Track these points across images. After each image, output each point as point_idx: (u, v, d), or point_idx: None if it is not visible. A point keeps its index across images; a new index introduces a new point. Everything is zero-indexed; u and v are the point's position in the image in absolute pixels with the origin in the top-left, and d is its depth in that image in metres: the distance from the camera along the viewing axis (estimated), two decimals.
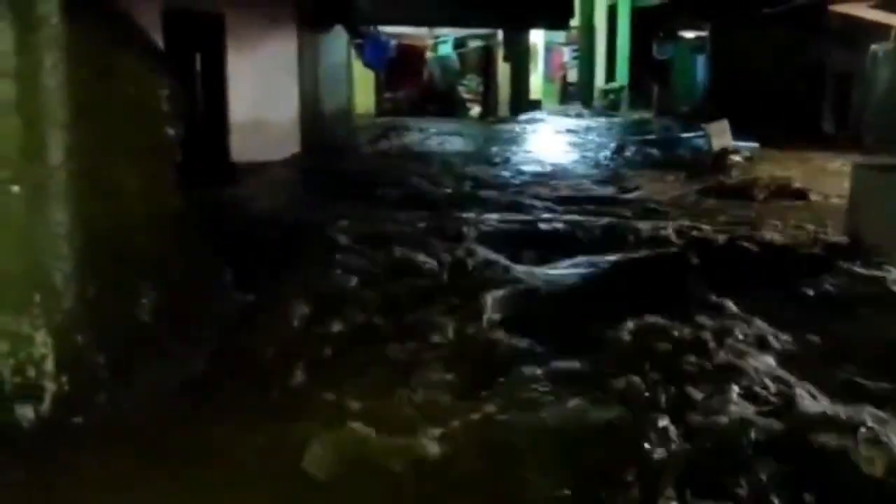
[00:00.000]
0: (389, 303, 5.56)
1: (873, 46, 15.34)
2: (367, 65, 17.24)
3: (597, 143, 16.10)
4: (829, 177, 11.63)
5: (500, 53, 19.15)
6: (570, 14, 16.08)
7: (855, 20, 13.83)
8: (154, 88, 4.59)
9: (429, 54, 19.75)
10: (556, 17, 15.59)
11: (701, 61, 23.66)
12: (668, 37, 25.12)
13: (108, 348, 4.24)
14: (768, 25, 17.58)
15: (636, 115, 22.39)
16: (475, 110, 20.80)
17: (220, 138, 10.83)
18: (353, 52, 16.76)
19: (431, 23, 16.23)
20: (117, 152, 4.44)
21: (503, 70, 19.46)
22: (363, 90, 17.85)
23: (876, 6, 12.80)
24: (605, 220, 8.69)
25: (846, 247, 7.71)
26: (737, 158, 12.69)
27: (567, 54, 26.61)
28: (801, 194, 10.12)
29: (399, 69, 18.05)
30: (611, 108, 23.90)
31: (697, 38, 23.67)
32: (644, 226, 8.35)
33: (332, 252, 6.83)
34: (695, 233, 8.19)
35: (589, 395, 4.05)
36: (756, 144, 14.27)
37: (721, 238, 7.89)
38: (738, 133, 14.38)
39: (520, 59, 19.73)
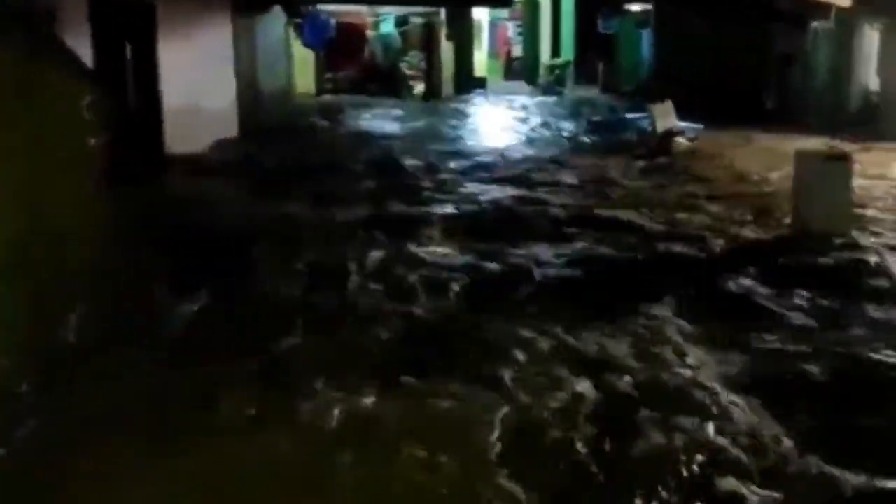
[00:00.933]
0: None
1: (814, 24, 15.60)
2: (307, 44, 16.99)
3: (540, 123, 16.12)
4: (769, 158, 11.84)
5: (444, 31, 19.02)
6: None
7: (798, 0, 14.05)
8: (75, 97, 4.45)
9: (370, 33, 19.52)
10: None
11: (646, 36, 23.79)
12: (613, 10, 25.16)
13: (31, 373, 4.12)
14: (712, 3, 17.72)
15: (581, 93, 22.42)
16: (418, 88, 20.65)
17: (153, 129, 10.59)
18: (292, 32, 16.51)
19: (373, 2, 16.02)
20: (36, 163, 4.30)
21: (446, 48, 19.33)
22: (303, 70, 17.60)
23: None
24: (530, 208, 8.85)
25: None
26: (681, 140, 12.83)
27: (512, 29, 26.54)
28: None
29: (340, 48, 17.81)
30: (556, 84, 23.88)
31: (643, 11, 23.74)
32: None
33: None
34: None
35: None
36: (700, 125, 14.42)
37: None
38: (682, 111, 14.52)
39: (463, 37, 19.63)
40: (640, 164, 11.70)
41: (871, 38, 14.51)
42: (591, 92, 22.53)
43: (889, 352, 5.11)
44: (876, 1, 13.00)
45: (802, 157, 7.97)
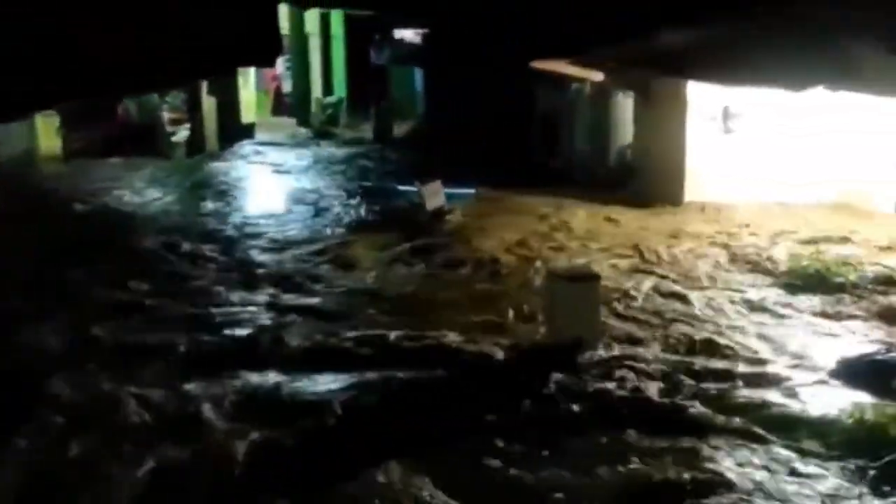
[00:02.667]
0: None
1: (574, 86, 16.91)
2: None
3: (308, 189, 16.37)
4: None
5: (205, 84, 18.83)
6: (278, 51, 16.13)
7: (556, 74, 15.21)
8: None
9: None
10: (261, 58, 15.54)
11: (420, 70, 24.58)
12: (385, 40, 25.76)
13: None
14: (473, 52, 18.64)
15: (355, 134, 22.83)
16: (181, 134, 20.33)
17: None
18: None
19: (123, 92, 15.57)
20: None
21: (209, 102, 19.14)
22: (47, 132, 16.80)
23: (572, 63, 14.18)
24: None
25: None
26: (450, 218, 13.55)
27: (281, 65, 26.57)
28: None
29: (89, 105, 17.14)
30: (329, 124, 24.16)
31: (417, 37, 24.37)
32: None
33: None
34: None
35: None
36: (472, 190, 15.25)
37: None
38: (454, 167, 15.24)
39: (226, 87, 19.52)
40: (406, 247, 12.18)
41: (625, 104, 15.95)
42: (365, 133, 23.00)
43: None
44: (624, 78, 14.35)
45: (552, 276, 8.79)
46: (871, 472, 6.20)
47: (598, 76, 14.68)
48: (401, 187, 15.37)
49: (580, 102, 16.91)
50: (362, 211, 14.57)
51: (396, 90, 25.58)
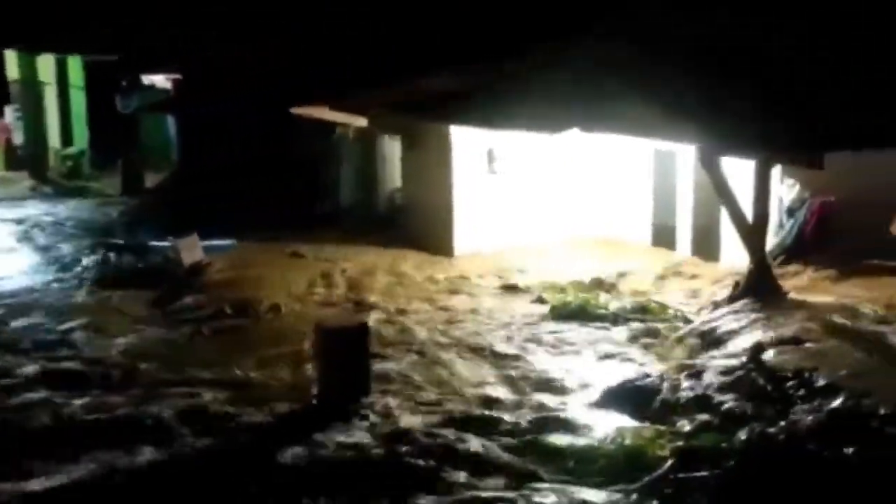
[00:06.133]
0: None
1: (338, 130, 17.35)
2: None
3: (44, 248, 15.68)
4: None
5: None
6: (4, 100, 15.51)
7: (317, 120, 15.58)
8: None
9: None
10: None
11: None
12: (132, 86, 25.17)
13: None
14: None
15: (99, 192, 21.99)
16: None
17: None
18: None
19: None
20: None
21: None
22: None
23: (334, 108, 14.59)
24: None
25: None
26: (209, 272, 13.43)
27: (10, 114, 25.31)
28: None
29: None
30: (70, 177, 23.26)
31: (168, 83, 23.96)
32: None
33: None
34: None
35: None
36: (232, 241, 15.18)
37: None
38: (214, 218, 15.03)
39: None
40: (158, 309, 12.04)
41: (392, 147, 16.52)
42: (112, 185, 22.20)
43: None
44: (387, 122, 14.93)
45: (321, 329, 8.98)
46: (632, 496, 6.81)
47: (361, 121, 15.15)
48: (153, 243, 15.02)
49: (345, 147, 17.33)
50: (108, 270, 14.04)
51: (147, 139, 24.94)
